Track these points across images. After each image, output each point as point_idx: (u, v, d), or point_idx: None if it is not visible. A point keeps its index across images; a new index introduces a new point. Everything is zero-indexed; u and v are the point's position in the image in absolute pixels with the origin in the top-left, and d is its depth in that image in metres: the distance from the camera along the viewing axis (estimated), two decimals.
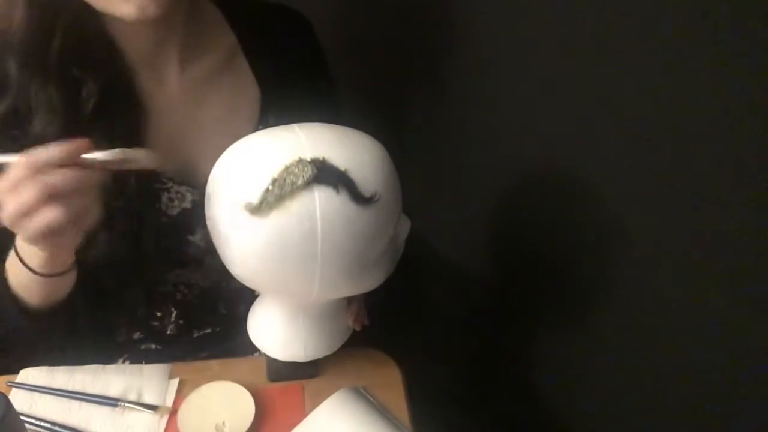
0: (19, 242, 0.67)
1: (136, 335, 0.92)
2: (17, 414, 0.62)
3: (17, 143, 0.67)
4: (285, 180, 0.56)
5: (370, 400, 0.77)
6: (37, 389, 0.78)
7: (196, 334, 0.94)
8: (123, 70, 0.76)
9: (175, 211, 0.81)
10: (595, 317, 0.91)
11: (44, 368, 0.80)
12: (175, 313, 0.91)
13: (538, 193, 0.94)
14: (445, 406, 1.10)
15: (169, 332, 0.92)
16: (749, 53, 0.60)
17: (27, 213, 0.57)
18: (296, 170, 0.56)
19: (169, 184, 0.80)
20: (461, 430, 1.09)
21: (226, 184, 0.61)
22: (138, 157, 0.60)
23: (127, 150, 0.60)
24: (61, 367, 0.80)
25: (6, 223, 0.58)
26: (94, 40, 0.72)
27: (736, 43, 0.60)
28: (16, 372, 0.80)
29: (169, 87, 0.79)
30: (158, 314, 0.91)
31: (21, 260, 0.68)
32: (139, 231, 0.78)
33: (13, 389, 0.78)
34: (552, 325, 1.02)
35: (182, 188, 0.81)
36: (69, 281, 0.72)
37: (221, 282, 0.89)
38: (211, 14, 0.82)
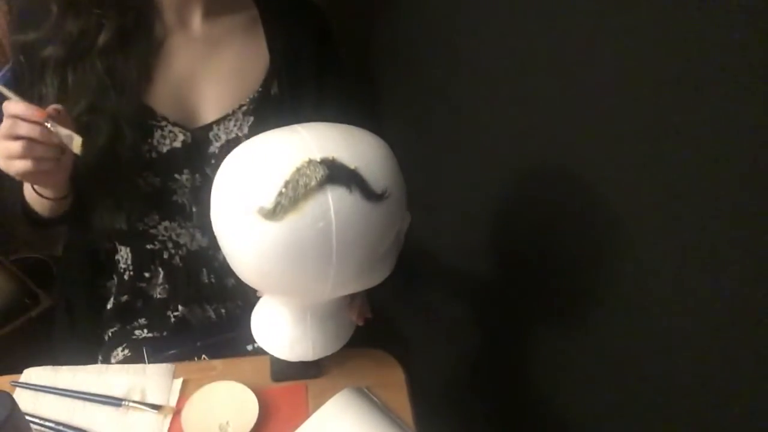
0: None
1: (124, 298, 0.96)
2: (22, 413, 0.62)
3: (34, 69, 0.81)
4: (297, 182, 0.56)
5: (373, 399, 0.77)
6: (40, 389, 0.78)
7: (180, 313, 0.96)
8: (149, 10, 0.83)
9: (164, 149, 0.86)
10: (597, 318, 0.91)
11: (48, 368, 0.80)
12: (162, 273, 0.94)
13: (538, 193, 0.94)
14: (448, 406, 1.10)
15: (157, 296, 0.95)
16: (750, 53, 0.60)
17: (9, 157, 0.71)
18: (308, 171, 0.56)
19: (163, 123, 0.85)
20: (464, 430, 1.09)
21: (236, 189, 0.60)
22: (72, 144, 0.72)
23: (74, 135, 0.71)
24: (64, 367, 0.80)
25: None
26: None
27: (737, 42, 0.61)
28: (20, 372, 0.80)
29: (190, 30, 0.86)
30: (146, 275, 0.95)
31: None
32: (129, 161, 0.85)
33: (17, 389, 0.78)
34: (554, 325, 1.02)
35: (175, 128, 0.86)
36: (65, 204, 0.84)
37: (209, 249, 0.93)
38: None
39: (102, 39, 0.79)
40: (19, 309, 1.13)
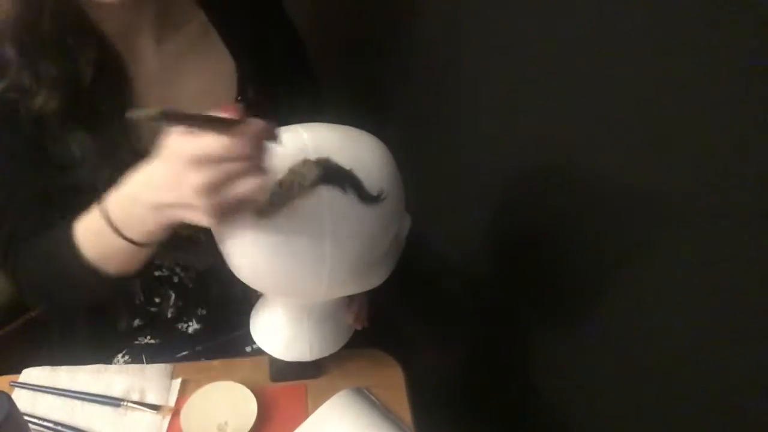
0: (119, 212, 0.63)
1: (136, 322, 0.93)
2: (20, 413, 0.62)
3: (15, 121, 0.70)
4: (292, 181, 0.56)
5: (372, 400, 0.77)
6: (39, 389, 0.78)
7: (190, 327, 0.94)
8: (106, 49, 0.76)
9: None
10: (596, 317, 0.91)
11: (47, 368, 0.80)
12: (173, 296, 0.92)
13: (538, 193, 0.94)
14: (448, 406, 1.10)
15: (169, 316, 0.93)
16: (751, 52, 0.60)
17: (229, 180, 0.53)
18: (302, 171, 0.56)
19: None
20: (463, 431, 1.09)
21: None
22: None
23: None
24: (63, 367, 0.80)
25: (198, 187, 0.53)
26: (79, 20, 0.73)
27: (738, 43, 0.61)
28: (19, 372, 0.80)
29: (145, 64, 0.79)
30: (156, 300, 0.92)
31: (117, 230, 0.64)
32: None
33: (16, 389, 0.78)
34: (553, 325, 1.01)
35: None
36: (154, 250, 0.69)
37: (216, 265, 0.88)
38: None
39: (86, 79, 0.72)
40: (19, 309, 1.13)
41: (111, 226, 0.63)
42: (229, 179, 0.53)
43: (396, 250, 0.67)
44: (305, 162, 0.56)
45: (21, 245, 0.75)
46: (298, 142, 0.59)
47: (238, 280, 0.73)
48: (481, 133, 0.99)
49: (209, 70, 0.83)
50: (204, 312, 0.95)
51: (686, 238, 0.73)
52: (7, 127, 0.73)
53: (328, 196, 0.56)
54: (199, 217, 0.55)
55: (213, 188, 0.53)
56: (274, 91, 0.85)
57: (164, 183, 0.56)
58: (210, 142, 0.52)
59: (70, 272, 0.70)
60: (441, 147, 1.11)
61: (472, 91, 0.98)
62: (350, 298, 0.76)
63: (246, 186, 0.53)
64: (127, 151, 0.75)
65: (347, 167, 0.57)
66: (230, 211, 0.55)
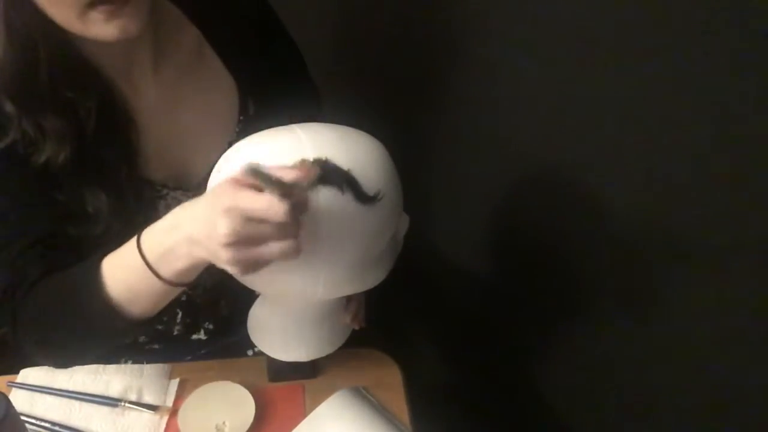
0: (155, 244, 0.62)
1: (142, 339, 0.92)
2: (17, 414, 0.62)
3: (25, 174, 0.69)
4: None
5: (370, 400, 0.77)
6: (37, 389, 0.78)
7: (195, 337, 0.94)
8: (105, 87, 0.75)
9: None
10: (597, 318, 0.91)
11: (44, 368, 0.80)
12: (180, 314, 0.91)
13: (539, 193, 0.94)
14: (445, 406, 1.10)
15: (175, 333, 0.92)
16: (751, 53, 0.60)
17: (258, 240, 0.54)
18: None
19: (164, 191, 0.79)
20: (461, 430, 1.09)
21: None
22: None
23: None
24: None
25: (226, 237, 0.53)
26: (76, 62, 0.71)
27: (739, 42, 0.61)
28: (17, 372, 0.80)
29: (146, 96, 0.78)
30: (164, 319, 0.90)
31: (149, 265, 0.61)
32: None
33: (14, 389, 0.78)
34: (552, 326, 1.02)
35: (177, 193, 0.80)
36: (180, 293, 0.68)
37: (224, 280, 0.87)
38: (169, 13, 0.80)
39: (89, 127, 0.71)
40: None
41: (144, 260, 0.61)
42: (259, 240, 0.53)
43: (394, 251, 0.67)
44: (303, 162, 0.56)
45: (25, 289, 0.69)
46: (296, 142, 0.59)
47: (247, 291, 0.73)
48: (481, 133, 0.99)
49: (210, 90, 0.82)
50: (211, 326, 0.94)
51: (687, 238, 0.73)
52: (16, 178, 0.71)
53: (324, 196, 0.56)
54: (223, 265, 0.56)
55: (240, 243, 0.53)
56: (274, 104, 0.82)
57: (202, 219, 0.56)
58: (251, 200, 0.52)
59: (87, 312, 0.66)
60: (439, 147, 1.11)
61: (472, 91, 0.98)
62: (348, 298, 0.76)
63: (272, 250, 0.53)
64: (137, 202, 0.74)
65: (345, 167, 0.57)
66: (253, 267, 0.55)
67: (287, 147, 0.59)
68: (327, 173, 0.55)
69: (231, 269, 0.55)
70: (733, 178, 0.66)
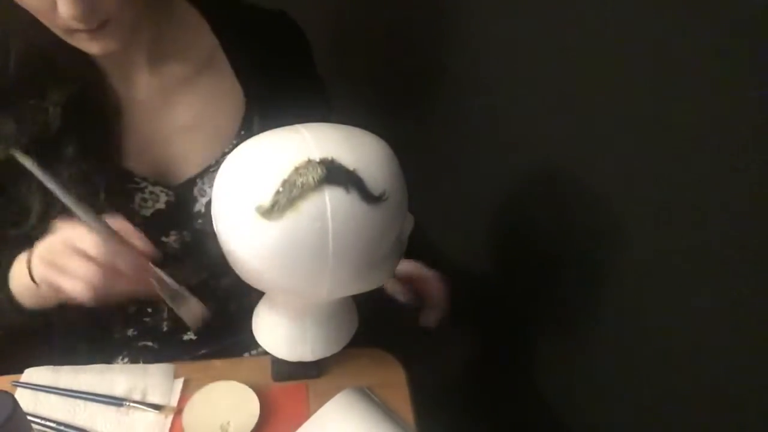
0: (35, 261, 0.70)
1: (130, 332, 0.92)
2: (24, 413, 0.62)
3: None
4: (295, 181, 0.56)
5: (374, 400, 0.77)
6: (42, 389, 0.78)
7: (186, 337, 0.93)
8: (94, 74, 0.77)
9: (148, 212, 0.81)
10: (598, 318, 0.91)
11: (49, 368, 0.80)
12: (165, 310, 0.91)
13: (542, 195, 0.94)
14: (450, 406, 1.10)
15: (165, 329, 0.92)
16: (750, 53, 0.60)
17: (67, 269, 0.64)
18: (306, 171, 0.56)
19: (143, 184, 0.80)
20: (465, 430, 1.09)
21: (236, 186, 0.60)
22: (190, 306, 0.69)
23: (187, 295, 0.68)
24: (65, 367, 0.80)
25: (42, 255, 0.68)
26: (60, 50, 0.72)
27: (739, 43, 0.61)
28: (21, 371, 0.80)
29: (139, 89, 0.79)
30: (149, 310, 0.90)
31: (30, 275, 0.71)
32: None
33: (18, 389, 0.78)
34: (556, 325, 1.02)
35: (156, 188, 0.80)
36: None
37: (209, 280, 0.88)
38: (190, 19, 0.82)
39: (55, 120, 0.73)
40: None
41: (28, 270, 0.71)
42: (67, 269, 0.64)
43: (399, 251, 0.68)
44: (309, 162, 0.56)
45: None
46: (301, 142, 0.59)
47: (234, 296, 0.74)
48: (487, 134, 0.99)
49: (213, 97, 0.82)
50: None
51: (687, 238, 0.73)
52: None
53: (330, 196, 0.56)
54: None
55: (51, 264, 0.65)
56: (282, 118, 0.83)
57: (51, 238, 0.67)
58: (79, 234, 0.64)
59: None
60: (445, 147, 1.11)
61: (478, 91, 0.99)
62: (426, 299, 0.80)
63: (69, 282, 0.64)
64: (110, 193, 0.77)
65: (351, 167, 0.57)
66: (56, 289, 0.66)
67: (292, 147, 0.59)
68: (333, 173, 0.56)
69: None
70: (733, 178, 0.66)
